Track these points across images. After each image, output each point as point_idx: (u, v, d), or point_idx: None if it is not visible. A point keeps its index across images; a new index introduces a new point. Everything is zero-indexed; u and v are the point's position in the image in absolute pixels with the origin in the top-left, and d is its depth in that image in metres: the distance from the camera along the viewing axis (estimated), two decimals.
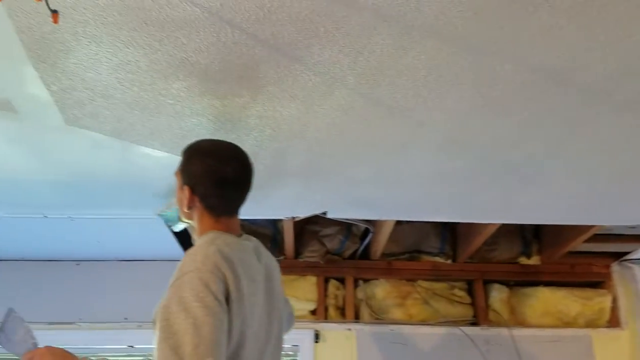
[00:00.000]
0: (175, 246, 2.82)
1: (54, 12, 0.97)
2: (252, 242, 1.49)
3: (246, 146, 1.71)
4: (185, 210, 1.43)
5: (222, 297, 1.22)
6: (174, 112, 1.57)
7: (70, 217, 2.42)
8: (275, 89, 1.44)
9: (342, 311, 2.94)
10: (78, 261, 3.05)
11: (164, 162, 1.86)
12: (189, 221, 1.50)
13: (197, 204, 1.42)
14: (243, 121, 1.61)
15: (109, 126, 1.64)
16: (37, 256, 2.97)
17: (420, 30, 1.24)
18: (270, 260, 1.55)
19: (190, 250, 1.34)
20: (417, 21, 1.21)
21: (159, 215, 2.04)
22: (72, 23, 1.21)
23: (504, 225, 2.63)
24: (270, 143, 1.74)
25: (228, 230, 1.42)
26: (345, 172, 1.93)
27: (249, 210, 2.38)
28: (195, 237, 1.50)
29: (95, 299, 3.00)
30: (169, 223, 2.11)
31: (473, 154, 1.82)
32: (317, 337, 2.83)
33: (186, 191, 1.41)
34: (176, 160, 1.84)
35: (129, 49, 1.29)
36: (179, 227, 2.15)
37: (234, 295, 1.25)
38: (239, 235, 1.46)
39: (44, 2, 0.95)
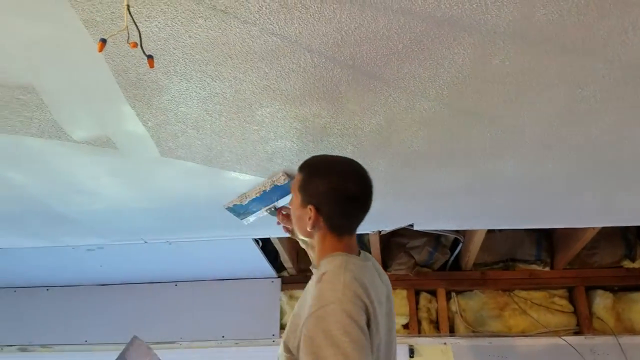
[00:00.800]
0: (265, 264, 2.90)
1: (150, 58, 1.04)
2: (371, 261, 1.47)
3: None
4: (309, 229, 1.40)
5: (365, 328, 1.21)
6: (259, 138, 1.62)
7: (168, 241, 2.55)
8: (356, 106, 1.46)
9: (435, 325, 2.88)
10: (176, 282, 3.21)
11: (252, 184, 1.92)
12: (306, 239, 1.51)
13: (321, 222, 1.39)
14: (325, 140, 1.63)
15: (200, 155, 1.73)
16: (139, 279, 3.15)
17: (503, 36, 1.20)
18: (386, 277, 1.54)
19: (326, 277, 1.30)
20: (498, 28, 1.18)
21: (227, 208, 2.02)
22: (164, 63, 1.29)
23: (604, 227, 2.47)
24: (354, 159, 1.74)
25: (350, 250, 1.40)
26: (431, 183, 1.90)
27: None
28: (312, 254, 1.50)
29: (194, 318, 3.14)
30: (240, 217, 2.06)
31: (568, 156, 1.73)
32: (412, 352, 2.79)
33: (311, 211, 1.38)
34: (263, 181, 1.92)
35: (215, 82, 1.36)
36: (249, 219, 2.07)
37: (372, 323, 1.24)
38: (358, 254, 1.44)
39: (139, 48, 1.02)
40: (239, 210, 2.01)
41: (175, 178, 1.91)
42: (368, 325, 1.22)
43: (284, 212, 1.81)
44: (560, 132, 1.58)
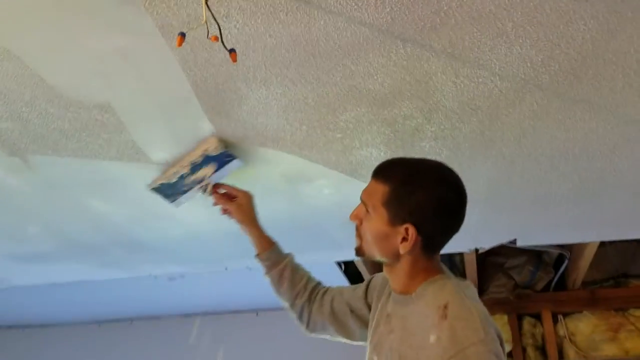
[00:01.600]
0: None
1: (232, 52, 0.94)
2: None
3: None
4: (401, 253, 1.14)
5: None
6: (342, 147, 1.49)
7: (248, 267, 2.46)
8: (453, 103, 1.30)
9: (542, 351, 2.60)
10: (257, 311, 3.11)
11: (334, 199, 1.79)
12: (379, 258, 1.21)
13: (418, 244, 1.13)
14: (416, 146, 1.48)
15: (278, 170, 1.62)
16: (220, 309, 3.08)
17: (631, 4, 1.02)
18: None
19: (454, 312, 1.07)
20: None
21: (153, 189, 1.61)
22: (243, 70, 1.20)
23: None
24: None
25: (441, 270, 1.19)
26: (538, 189, 1.69)
27: None
28: (394, 277, 1.22)
29: (275, 348, 3.02)
30: (168, 198, 1.65)
31: None
32: None
33: (411, 232, 1.11)
34: (346, 196, 1.79)
35: (297, 86, 1.25)
36: (180, 201, 1.66)
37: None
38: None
39: (219, 42, 0.92)
40: (167, 191, 1.62)
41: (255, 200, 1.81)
42: None
43: (220, 191, 1.55)
44: None
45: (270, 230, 2.07)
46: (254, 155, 1.55)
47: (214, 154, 1.48)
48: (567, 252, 2.41)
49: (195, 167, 1.52)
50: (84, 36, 1.10)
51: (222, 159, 1.50)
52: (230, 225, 2.04)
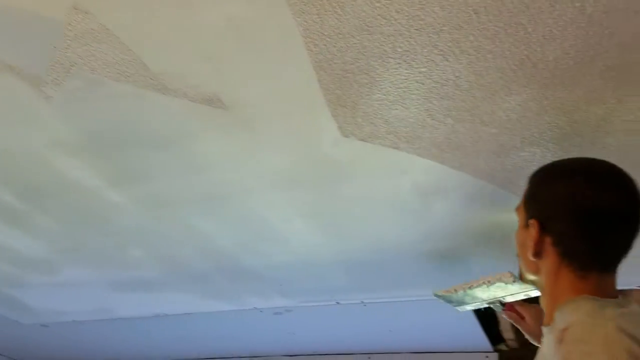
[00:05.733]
0: (480, 335, 2.37)
1: None
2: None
3: None
4: (531, 258, 0.97)
5: None
6: (498, 147, 1.18)
7: (362, 302, 2.17)
8: None
9: None
10: (370, 354, 2.80)
11: (477, 220, 1.47)
12: (533, 277, 1.03)
13: (550, 247, 0.96)
14: (598, 144, 1.13)
15: (410, 181, 1.33)
16: (328, 350, 2.81)
17: None
18: None
19: (572, 335, 0.86)
20: None
21: (436, 295, 1.62)
22: (380, 39, 0.94)
23: None
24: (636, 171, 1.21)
25: (603, 293, 0.92)
26: None
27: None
28: (544, 304, 1.01)
29: None
30: (452, 304, 1.66)
31: None
32: None
33: (533, 227, 0.97)
34: (495, 216, 1.46)
35: (448, 60, 0.97)
36: (464, 308, 1.68)
37: None
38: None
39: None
40: (451, 299, 1.62)
41: (376, 219, 1.53)
42: None
43: (515, 307, 1.41)
44: None
45: (393, 258, 1.78)
46: (380, 161, 1.28)
47: (507, 283, 1.44)
48: None
49: (486, 288, 1.50)
50: (190, 8, 0.91)
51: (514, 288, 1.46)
52: (348, 254, 1.78)
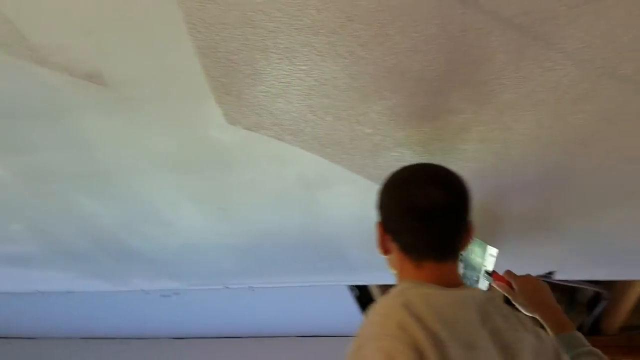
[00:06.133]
0: (359, 319, 2.49)
1: None
2: (477, 296, 1.06)
3: None
4: (383, 254, 1.10)
5: None
6: (372, 146, 1.27)
7: (251, 286, 2.22)
8: (512, 95, 1.08)
9: None
10: (259, 338, 2.86)
11: (353, 211, 1.56)
12: (393, 271, 1.13)
13: (392, 244, 1.08)
14: (458, 149, 1.26)
15: (294, 171, 1.40)
16: (216, 333, 2.83)
17: None
18: (510, 327, 1.05)
19: (370, 311, 0.98)
20: None
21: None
22: (262, 34, 0.99)
23: None
24: (491, 178, 1.35)
25: (436, 280, 1.03)
26: (593, 212, 1.45)
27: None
28: None
29: None
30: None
31: None
32: None
33: (377, 228, 1.10)
34: (368, 208, 1.56)
35: (325, 61, 1.04)
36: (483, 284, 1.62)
37: None
38: (457, 287, 1.05)
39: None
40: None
41: (262, 206, 1.58)
42: None
43: (505, 277, 1.44)
44: None
45: (283, 244, 1.85)
46: (264, 151, 1.34)
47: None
48: (606, 291, 2.16)
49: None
50: None
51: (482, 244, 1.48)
52: (235, 239, 1.82)
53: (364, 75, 1.07)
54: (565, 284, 2.14)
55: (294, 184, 1.46)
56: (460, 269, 1.56)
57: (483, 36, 0.95)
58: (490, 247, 1.43)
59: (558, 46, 0.96)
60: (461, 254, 1.12)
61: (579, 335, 1.27)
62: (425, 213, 1.03)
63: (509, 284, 1.42)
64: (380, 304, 0.97)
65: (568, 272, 1.85)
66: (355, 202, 1.53)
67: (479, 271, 1.54)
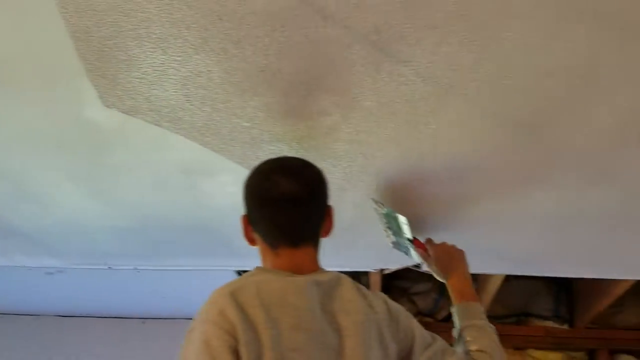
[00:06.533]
0: None
1: None
2: (323, 282, 1.09)
3: (333, 180, 1.45)
4: (250, 245, 1.17)
5: (226, 356, 0.94)
6: (250, 138, 1.32)
7: (136, 268, 2.21)
8: (372, 103, 1.17)
9: None
10: (144, 319, 2.85)
11: (237, 200, 1.61)
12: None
13: (254, 234, 1.16)
14: (330, 148, 1.34)
15: (173, 157, 1.43)
16: (101, 312, 2.79)
17: (579, 10, 0.93)
18: (354, 310, 1.09)
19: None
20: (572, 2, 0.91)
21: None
22: (135, 22, 1.01)
23: (637, 282, 2.16)
24: (361, 175, 1.45)
25: (291, 266, 1.10)
26: (451, 211, 1.59)
27: (329, 260, 2.11)
28: None
29: None
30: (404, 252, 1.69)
31: (616, 191, 1.44)
32: None
33: (242, 220, 1.17)
34: None
35: (199, 55, 1.07)
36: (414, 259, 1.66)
37: (244, 351, 0.94)
38: (314, 272, 1.11)
39: None
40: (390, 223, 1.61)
41: (142, 190, 1.59)
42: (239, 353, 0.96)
43: (425, 244, 1.52)
44: (622, 157, 1.29)
45: (165, 229, 1.86)
46: (144, 136, 1.35)
47: (384, 211, 1.50)
48: (475, 283, 2.36)
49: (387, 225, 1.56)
50: None
51: (393, 214, 1.49)
52: (116, 221, 1.80)
53: (238, 71, 1.11)
54: None
55: (174, 170, 1.48)
56: (393, 239, 1.66)
57: (344, 48, 1.02)
58: (400, 215, 1.48)
59: (409, 63, 1.05)
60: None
61: (476, 307, 1.35)
62: (276, 202, 1.11)
63: (426, 251, 1.50)
64: (214, 291, 1.03)
65: None
66: (238, 192, 1.57)
67: (405, 239, 1.59)
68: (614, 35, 0.97)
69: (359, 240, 1.84)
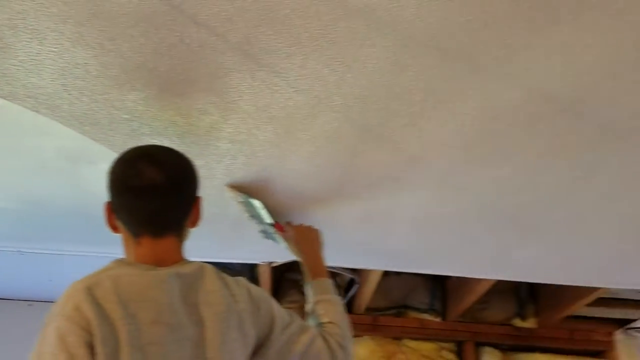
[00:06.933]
0: None
1: None
2: (184, 274, 1.10)
3: (217, 176, 1.52)
4: (113, 232, 1.15)
5: (82, 351, 0.94)
6: (130, 130, 1.35)
7: (19, 250, 2.16)
8: (250, 107, 1.25)
9: None
10: (30, 301, 2.77)
11: None
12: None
13: (117, 222, 1.14)
14: (212, 145, 1.40)
15: (54, 144, 1.43)
16: None
17: (419, 43, 1.06)
18: (215, 301, 1.11)
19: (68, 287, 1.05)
20: (416, 31, 1.03)
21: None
22: (10, 13, 1.02)
23: (498, 282, 2.40)
24: (244, 173, 1.53)
25: (152, 257, 1.09)
26: (326, 210, 1.71)
27: (221, 252, 2.18)
28: None
29: None
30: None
31: (469, 199, 1.62)
32: None
33: (105, 208, 1.15)
34: None
35: (76, 48, 1.10)
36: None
37: (100, 347, 0.95)
38: (177, 263, 1.11)
39: None
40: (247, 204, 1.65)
41: (25, 172, 1.58)
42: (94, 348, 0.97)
43: (283, 226, 1.59)
44: (465, 170, 1.46)
45: (49, 213, 1.83)
46: (26, 121, 1.34)
47: (243, 200, 1.55)
48: (357, 277, 2.52)
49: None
50: None
51: (251, 201, 1.56)
52: (1, 202, 1.76)
53: (115, 66, 1.14)
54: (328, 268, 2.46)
55: (54, 155, 1.48)
56: (261, 227, 1.74)
57: (218, 54, 1.09)
58: (254, 200, 1.55)
59: (281, 75, 1.14)
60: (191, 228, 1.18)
61: (328, 283, 1.45)
62: (137, 190, 1.09)
63: (286, 231, 1.58)
64: (70, 285, 1.03)
65: None
66: None
67: (267, 224, 1.65)
68: (446, 63, 1.11)
69: (245, 234, 1.91)
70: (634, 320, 2.73)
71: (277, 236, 1.63)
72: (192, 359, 1.05)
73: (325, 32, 1.03)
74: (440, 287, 2.77)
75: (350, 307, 2.75)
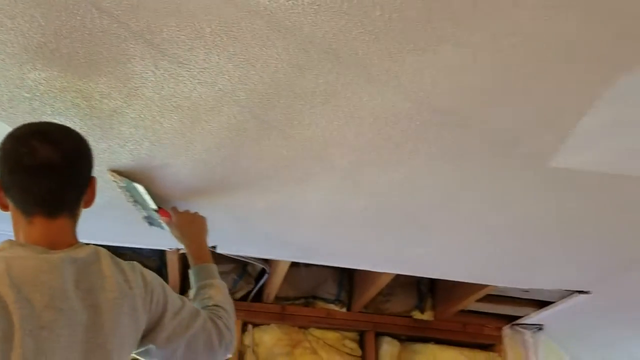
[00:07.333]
0: None
1: None
2: (78, 259, 1.09)
3: (122, 160, 1.53)
4: (3, 210, 1.11)
5: None
6: (31, 109, 1.33)
7: None
8: (154, 94, 1.26)
9: None
10: None
11: None
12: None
13: (7, 200, 1.10)
14: (115, 129, 1.40)
15: None
16: None
17: (318, 48, 1.12)
18: (110, 287, 1.11)
19: None
20: (315, 37, 1.09)
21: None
22: None
23: (401, 276, 2.54)
24: (149, 160, 1.54)
25: (45, 238, 1.08)
26: (234, 201, 1.75)
27: (129, 237, 2.16)
28: None
29: None
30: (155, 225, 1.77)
31: (369, 197, 1.72)
32: None
33: None
34: None
35: None
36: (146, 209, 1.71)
37: (17, 325, 0.96)
38: (71, 246, 1.10)
39: None
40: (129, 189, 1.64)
41: None
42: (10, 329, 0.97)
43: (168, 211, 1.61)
44: (364, 170, 1.55)
45: None
46: None
47: (124, 184, 1.55)
48: (268, 267, 2.57)
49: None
50: None
51: (132, 185, 1.57)
52: None
53: (15, 44, 1.13)
54: (238, 257, 2.50)
55: None
56: (144, 213, 1.74)
57: (121, 41, 1.11)
58: (138, 185, 1.54)
59: (184, 66, 1.17)
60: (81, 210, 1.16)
61: (212, 268, 1.48)
62: (31, 169, 1.06)
63: (169, 217, 1.61)
64: None
65: (228, 247, 2.17)
66: None
67: (151, 209, 1.67)
68: (343, 69, 1.18)
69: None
70: (521, 317, 2.96)
71: (162, 222, 1.65)
72: (84, 344, 1.05)
73: (227, 30, 1.07)
74: (348, 279, 2.88)
75: (260, 296, 2.80)
